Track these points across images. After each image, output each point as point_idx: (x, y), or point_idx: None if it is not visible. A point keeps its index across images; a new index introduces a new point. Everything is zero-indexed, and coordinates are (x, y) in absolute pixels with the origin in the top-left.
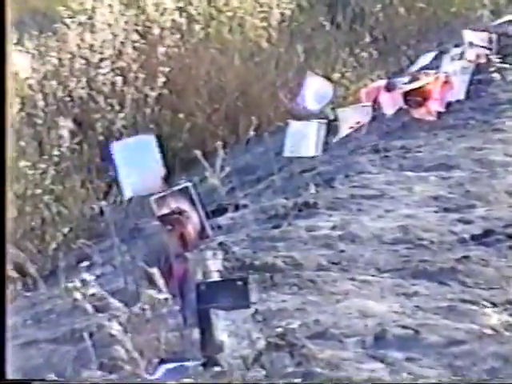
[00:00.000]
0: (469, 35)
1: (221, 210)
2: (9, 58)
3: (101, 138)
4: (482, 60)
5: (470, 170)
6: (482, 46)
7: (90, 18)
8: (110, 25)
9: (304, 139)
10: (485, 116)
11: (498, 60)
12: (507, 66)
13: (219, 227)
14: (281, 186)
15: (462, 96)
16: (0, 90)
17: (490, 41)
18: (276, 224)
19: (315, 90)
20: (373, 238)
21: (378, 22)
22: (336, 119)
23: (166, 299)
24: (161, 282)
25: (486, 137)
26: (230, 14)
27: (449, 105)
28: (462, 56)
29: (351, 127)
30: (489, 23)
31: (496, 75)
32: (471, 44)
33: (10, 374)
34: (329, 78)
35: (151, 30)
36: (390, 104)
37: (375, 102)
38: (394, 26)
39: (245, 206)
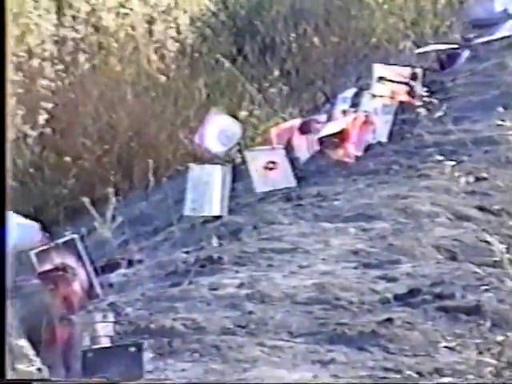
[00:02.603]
0: (380, 70)
1: (112, 266)
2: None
3: None
4: (403, 97)
5: (393, 221)
6: (401, 82)
7: None
8: None
9: (207, 191)
10: (409, 160)
11: (425, 93)
12: (435, 100)
13: (110, 285)
14: (181, 239)
15: (384, 138)
16: None
17: (414, 76)
18: (175, 282)
19: (220, 130)
20: (285, 297)
21: (291, 54)
22: (243, 162)
23: (39, 369)
24: (31, 352)
25: (411, 184)
26: (119, 42)
27: (369, 147)
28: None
29: (267, 167)
30: (412, 56)
31: (422, 110)
32: (381, 79)
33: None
34: (235, 117)
35: (30, 61)
36: (305, 146)
37: (288, 143)
38: (308, 59)
39: (139, 262)
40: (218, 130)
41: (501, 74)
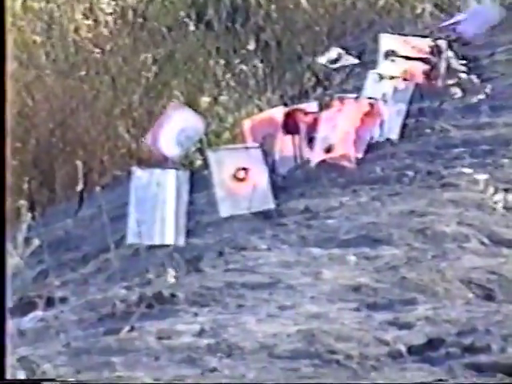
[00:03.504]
0: (388, 42)
1: (25, 307)
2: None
3: None
4: (420, 79)
5: (407, 247)
6: (418, 58)
7: None
8: None
9: (157, 206)
10: (429, 164)
11: (462, 68)
12: (474, 78)
13: (21, 333)
14: (120, 269)
15: (395, 134)
16: None
17: (437, 50)
18: (111, 328)
19: (179, 130)
20: (260, 349)
21: (269, 20)
22: (206, 166)
23: None
24: None
25: (432, 196)
26: (35, 4)
27: (376, 147)
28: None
29: (236, 177)
30: (433, 23)
31: (457, 90)
32: (388, 55)
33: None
34: (195, 105)
35: None
36: (290, 152)
37: (266, 141)
38: (293, 26)
39: (63, 301)
40: (177, 130)
41: None
